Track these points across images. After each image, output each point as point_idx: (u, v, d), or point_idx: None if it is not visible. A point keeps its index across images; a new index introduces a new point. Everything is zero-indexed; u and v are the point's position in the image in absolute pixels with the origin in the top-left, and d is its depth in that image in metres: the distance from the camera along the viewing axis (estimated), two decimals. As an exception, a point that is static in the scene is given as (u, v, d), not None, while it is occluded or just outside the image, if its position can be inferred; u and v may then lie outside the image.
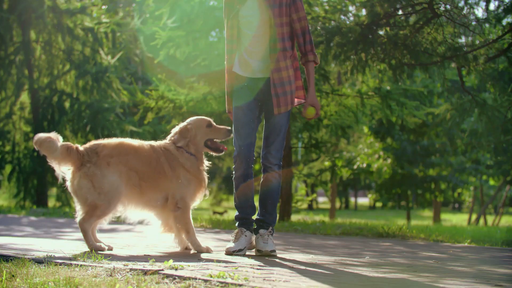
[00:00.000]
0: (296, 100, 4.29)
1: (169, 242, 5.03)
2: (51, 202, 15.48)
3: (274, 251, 4.06)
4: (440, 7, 6.68)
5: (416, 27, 6.87)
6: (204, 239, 5.33)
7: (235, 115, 4.23)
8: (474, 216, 24.75)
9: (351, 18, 8.40)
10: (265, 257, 3.99)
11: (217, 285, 2.78)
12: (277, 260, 3.84)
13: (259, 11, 4.14)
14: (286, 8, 4.11)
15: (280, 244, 5.11)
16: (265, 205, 4.20)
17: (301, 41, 4.17)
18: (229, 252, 4.07)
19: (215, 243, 5.09)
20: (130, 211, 4.20)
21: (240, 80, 4.23)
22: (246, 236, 4.16)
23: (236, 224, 4.27)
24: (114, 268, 3.13)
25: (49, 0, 13.62)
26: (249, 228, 4.21)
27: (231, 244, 4.14)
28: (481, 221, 22.99)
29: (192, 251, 4.15)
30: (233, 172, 4.28)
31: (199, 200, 4.27)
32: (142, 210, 4.21)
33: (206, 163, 4.33)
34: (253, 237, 4.22)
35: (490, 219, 25.21)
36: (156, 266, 3.26)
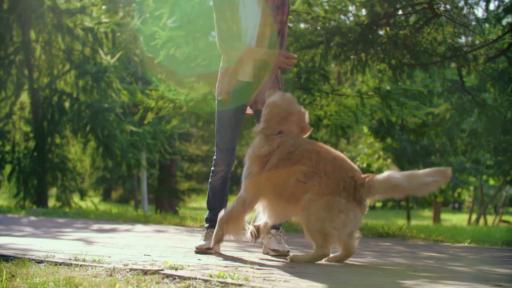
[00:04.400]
0: None
1: (169, 242, 5.04)
2: (51, 202, 15.49)
3: (289, 251, 4.13)
4: (440, 7, 6.68)
5: (416, 27, 6.87)
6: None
7: (221, 117, 4.25)
8: (474, 216, 24.75)
9: (351, 18, 8.40)
10: (282, 256, 4.03)
11: (217, 285, 2.78)
12: (277, 260, 3.85)
13: (256, 8, 4.18)
14: (274, 9, 4.18)
15: (280, 244, 5.11)
16: None
17: (275, 40, 4.21)
18: (202, 250, 4.14)
19: (215, 243, 5.09)
20: None
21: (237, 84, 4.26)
22: None
23: (207, 226, 4.33)
24: (114, 268, 3.13)
25: (49, 0, 13.62)
26: None
27: (202, 242, 4.20)
28: (481, 221, 22.99)
29: None
30: (211, 174, 4.32)
31: None
32: None
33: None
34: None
35: (490, 219, 25.21)
36: (156, 266, 3.26)
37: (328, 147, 3.78)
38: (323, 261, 3.75)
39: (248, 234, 3.95)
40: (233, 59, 4.21)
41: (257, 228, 4.00)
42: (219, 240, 3.91)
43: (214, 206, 4.31)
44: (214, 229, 4.21)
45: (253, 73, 4.22)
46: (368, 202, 3.68)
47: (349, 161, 3.71)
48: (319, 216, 3.54)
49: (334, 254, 3.79)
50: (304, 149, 3.69)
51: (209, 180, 4.35)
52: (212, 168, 4.32)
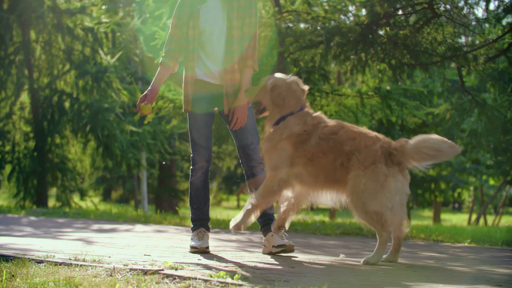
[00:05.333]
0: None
1: (169, 242, 5.04)
2: (51, 202, 15.48)
3: (294, 245, 4.14)
4: (440, 7, 6.68)
5: (416, 27, 6.87)
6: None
7: (194, 119, 4.26)
8: (474, 216, 24.75)
9: (351, 18, 8.41)
10: (287, 252, 4.06)
11: (217, 285, 2.78)
12: (277, 260, 3.84)
13: (221, 12, 4.18)
14: (240, 11, 4.15)
15: (280, 244, 5.11)
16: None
17: (246, 45, 4.17)
18: (202, 249, 4.15)
19: (215, 243, 5.10)
20: None
21: (203, 86, 4.24)
22: (208, 235, 4.31)
23: (194, 226, 4.32)
24: (114, 268, 3.13)
25: (49, 0, 13.61)
26: (207, 229, 4.33)
27: (199, 242, 4.20)
28: (481, 221, 22.99)
29: None
30: (190, 174, 4.32)
31: None
32: None
33: None
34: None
35: (490, 219, 25.21)
36: (156, 266, 3.26)
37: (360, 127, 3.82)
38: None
39: (274, 226, 3.96)
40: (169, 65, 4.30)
41: (283, 220, 3.98)
42: (240, 227, 3.86)
43: (199, 204, 4.31)
44: (203, 228, 4.27)
45: (219, 74, 4.21)
46: (407, 167, 3.65)
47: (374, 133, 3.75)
48: (370, 190, 3.51)
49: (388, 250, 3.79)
50: (349, 130, 3.70)
51: (190, 179, 4.33)
52: (191, 167, 4.31)
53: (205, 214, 4.33)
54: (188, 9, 4.23)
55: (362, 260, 3.71)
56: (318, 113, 3.89)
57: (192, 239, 4.28)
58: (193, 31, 4.20)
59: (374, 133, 3.73)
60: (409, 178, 3.68)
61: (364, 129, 3.76)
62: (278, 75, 4.03)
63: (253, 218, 3.90)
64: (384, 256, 3.78)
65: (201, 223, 4.31)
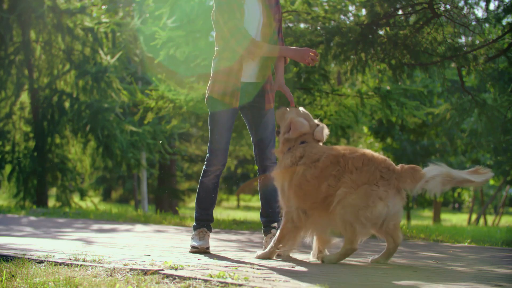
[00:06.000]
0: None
1: (169, 242, 5.04)
2: (51, 202, 15.48)
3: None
4: (440, 7, 6.68)
5: (416, 27, 6.87)
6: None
7: (218, 118, 4.24)
8: (474, 216, 24.75)
9: (351, 18, 8.40)
10: (282, 257, 4.02)
11: (217, 285, 2.78)
12: (277, 260, 3.84)
13: (260, 9, 4.20)
14: (271, 9, 4.22)
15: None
16: (271, 204, 4.26)
17: (276, 39, 4.26)
18: (203, 249, 4.17)
19: (215, 243, 5.10)
20: None
21: (244, 86, 4.27)
22: (209, 236, 4.31)
23: (196, 225, 4.33)
24: (114, 268, 3.13)
25: (49, 0, 13.61)
26: (210, 229, 4.34)
27: (200, 242, 4.21)
28: (481, 221, 22.99)
29: None
30: (203, 174, 4.30)
31: None
32: None
33: None
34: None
35: (490, 219, 25.21)
36: (156, 266, 3.26)
37: (352, 147, 3.79)
38: (368, 261, 3.76)
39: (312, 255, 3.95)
40: (253, 56, 4.14)
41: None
42: (269, 257, 3.87)
43: (206, 205, 4.32)
44: (204, 229, 4.28)
45: (258, 73, 4.23)
46: (407, 192, 3.65)
47: (379, 154, 3.71)
48: (355, 205, 3.52)
49: (380, 253, 3.79)
50: (330, 155, 3.69)
51: (201, 179, 4.32)
52: (205, 168, 4.29)
53: (209, 215, 4.34)
54: (235, 4, 4.12)
55: (318, 256, 3.75)
56: (313, 144, 3.86)
57: (193, 238, 4.28)
58: (240, 22, 4.15)
59: (366, 154, 3.68)
60: (405, 198, 3.67)
61: (351, 150, 3.72)
62: (298, 111, 3.99)
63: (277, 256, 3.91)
64: (375, 257, 3.81)
65: (204, 223, 4.32)
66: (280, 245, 3.82)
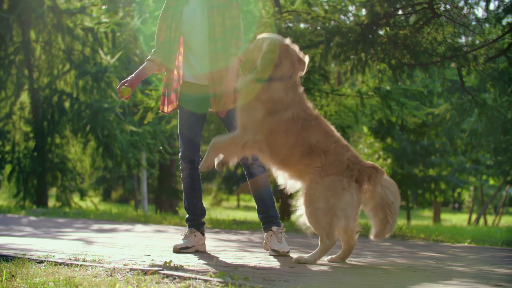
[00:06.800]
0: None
1: (169, 242, 5.04)
2: (51, 202, 15.48)
3: (289, 251, 4.10)
4: (440, 7, 6.68)
5: (416, 27, 6.87)
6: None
7: (181, 117, 4.27)
8: (474, 216, 24.76)
9: (351, 18, 8.41)
10: (281, 257, 4.00)
11: (217, 285, 2.78)
12: (277, 260, 3.84)
13: (201, 12, 4.18)
14: (221, 8, 4.15)
15: (280, 244, 5.11)
16: (265, 201, 4.24)
17: (228, 37, 4.15)
18: (176, 250, 4.17)
19: (215, 243, 5.10)
20: None
21: (190, 87, 4.26)
22: (195, 236, 4.27)
23: (187, 226, 4.35)
24: (114, 268, 3.13)
25: (49, 0, 13.61)
26: (199, 229, 4.30)
27: (179, 242, 4.24)
28: (481, 221, 22.99)
29: None
30: (181, 174, 4.33)
31: None
32: None
33: None
34: (203, 239, 4.31)
35: (490, 219, 25.21)
36: (156, 266, 3.26)
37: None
38: (325, 260, 3.73)
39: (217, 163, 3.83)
40: (167, 65, 4.25)
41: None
42: (208, 167, 3.78)
43: (188, 205, 4.32)
44: (194, 228, 4.29)
45: (210, 76, 4.18)
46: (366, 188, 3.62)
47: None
48: (324, 199, 3.48)
49: (336, 254, 3.78)
50: (323, 123, 3.63)
51: (181, 179, 4.36)
52: (180, 168, 4.34)
53: (195, 214, 4.32)
54: (171, 11, 4.24)
55: (294, 258, 3.68)
56: (302, 91, 3.76)
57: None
58: (175, 33, 4.22)
59: (345, 142, 3.66)
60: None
61: (337, 134, 3.68)
62: (274, 35, 3.87)
63: (216, 161, 3.80)
64: (333, 256, 3.76)
65: (190, 223, 4.33)
66: (222, 149, 3.73)
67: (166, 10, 4.27)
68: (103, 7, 14.23)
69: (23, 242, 4.75)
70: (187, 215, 4.36)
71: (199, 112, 4.26)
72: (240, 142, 3.68)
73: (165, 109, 4.31)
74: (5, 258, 3.55)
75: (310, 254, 3.65)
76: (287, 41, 3.82)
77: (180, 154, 4.30)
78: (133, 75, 4.24)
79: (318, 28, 7.78)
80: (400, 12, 7.00)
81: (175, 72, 4.29)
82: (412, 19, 7.25)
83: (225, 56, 4.10)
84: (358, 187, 3.56)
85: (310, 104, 3.74)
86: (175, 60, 4.26)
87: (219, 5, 4.14)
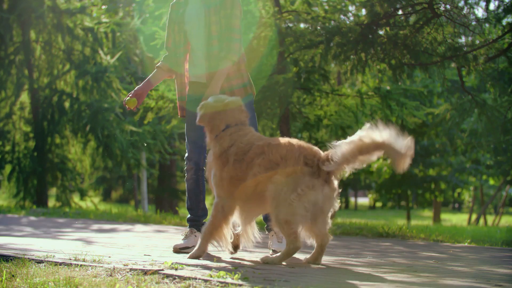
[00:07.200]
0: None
1: (169, 242, 5.04)
2: (51, 202, 15.48)
3: None
4: (440, 7, 6.68)
5: (416, 27, 6.87)
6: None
7: (188, 118, 4.32)
8: (474, 216, 24.75)
9: (351, 18, 8.40)
10: None
11: (217, 285, 2.78)
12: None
13: (200, 11, 4.21)
14: (217, 6, 4.16)
15: (280, 244, 5.11)
16: None
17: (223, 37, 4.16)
18: (176, 249, 4.19)
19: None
20: None
21: (195, 87, 4.29)
22: (195, 236, 4.27)
23: (188, 226, 4.37)
24: (114, 268, 3.13)
25: (49, 0, 13.61)
26: (199, 229, 4.31)
27: (179, 242, 4.25)
28: (481, 221, 22.99)
29: None
30: (185, 174, 4.35)
31: None
32: None
33: None
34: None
35: (490, 219, 25.22)
36: (156, 266, 3.26)
37: (281, 138, 3.67)
38: (303, 260, 3.71)
39: (229, 248, 3.83)
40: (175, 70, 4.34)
41: (236, 238, 3.88)
42: (199, 255, 3.74)
43: (191, 205, 4.35)
44: (195, 228, 4.30)
45: (208, 75, 4.22)
46: (338, 178, 3.52)
47: (308, 144, 3.59)
48: (288, 199, 3.39)
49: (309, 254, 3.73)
50: (256, 146, 3.58)
51: (185, 179, 4.39)
52: (185, 168, 4.37)
53: (196, 215, 4.34)
54: (174, 15, 4.31)
55: (261, 258, 3.63)
56: (237, 130, 3.72)
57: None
58: (179, 35, 4.27)
59: (292, 142, 3.56)
60: (336, 188, 3.52)
61: (276, 140, 3.61)
62: (210, 98, 3.86)
63: (209, 247, 3.78)
64: (307, 257, 3.68)
65: (191, 223, 4.35)
66: (212, 239, 3.70)
67: (170, 15, 4.34)
68: (103, 7, 14.24)
69: (23, 242, 4.75)
70: (189, 215, 4.38)
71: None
72: (219, 211, 3.66)
73: (185, 114, 4.37)
74: (5, 258, 3.55)
75: (273, 257, 3.58)
76: (215, 98, 3.81)
77: (186, 154, 4.34)
78: (141, 84, 4.32)
79: (318, 28, 7.78)
80: (400, 12, 7.00)
81: (187, 75, 4.35)
82: (412, 19, 7.25)
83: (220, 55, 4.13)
84: (324, 181, 3.45)
85: (247, 136, 3.67)
86: (183, 63, 4.31)
87: (216, 3, 4.16)
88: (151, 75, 4.38)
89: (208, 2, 4.19)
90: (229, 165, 3.61)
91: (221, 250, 3.87)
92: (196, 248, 3.78)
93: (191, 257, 3.74)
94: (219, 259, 3.79)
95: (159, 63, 4.37)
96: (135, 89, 4.30)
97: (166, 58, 4.36)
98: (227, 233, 3.74)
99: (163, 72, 4.37)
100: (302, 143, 3.56)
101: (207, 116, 3.76)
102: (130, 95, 4.25)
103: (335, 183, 3.52)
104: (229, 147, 3.64)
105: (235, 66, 4.19)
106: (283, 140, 3.59)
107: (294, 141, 3.58)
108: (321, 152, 3.54)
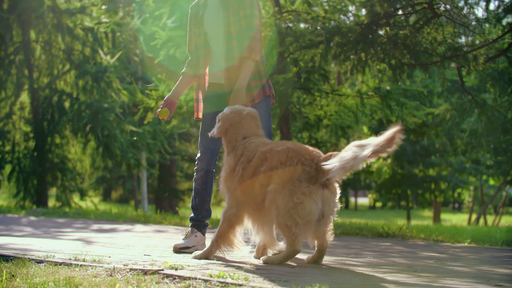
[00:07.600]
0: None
1: (169, 242, 5.04)
2: (51, 202, 15.48)
3: None
4: (440, 7, 6.68)
5: (416, 27, 6.87)
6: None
7: (204, 119, 4.34)
8: (474, 216, 24.75)
9: (351, 18, 8.40)
10: None
11: (217, 285, 2.78)
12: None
13: (219, 12, 4.22)
14: (235, 6, 4.16)
15: (280, 244, 5.11)
16: None
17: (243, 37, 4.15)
18: (176, 249, 4.19)
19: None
20: None
21: (214, 87, 4.31)
22: (196, 236, 4.28)
23: (190, 225, 4.37)
24: (114, 268, 3.13)
25: (49, 0, 13.62)
26: (200, 230, 4.33)
27: (180, 241, 4.25)
28: (481, 221, 22.99)
29: None
30: (194, 174, 4.38)
31: None
32: None
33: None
34: (204, 239, 4.32)
35: (490, 219, 25.21)
36: (156, 266, 3.26)
37: (284, 141, 3.68)
38: (305, 260, 3.71)
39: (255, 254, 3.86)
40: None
41: (263, 250, 3.88)
42: (207, 257, 3.74)
43: (196, 205, 4.36)
44: (196, 229, 4.32)
45: (226, 74, 4.22)
46: (337, 182, 3.51)
47: (308, 146, 3.58)
48: (285, 205, 3.40)
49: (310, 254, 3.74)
50: (260, 153, 3.59)
51: (193, 178, 4.41)
52: (195, 168, 4.39)
53: (200, 215, 4.35)
54: (194, 19, 4.34)
55: (262, 258, 3.63)
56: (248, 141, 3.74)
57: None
58: (199, 38, 4.31)
59: (291, 147, 3.55)
60: (336, 191, 3.51)
61: (279, 145, 3.60)
62: (227, 108, 3.87)
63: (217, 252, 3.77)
64: (308, 257, 3.71)
65: (194, 223, 4.35)
66: (219, 245, 3.71)
67: (190, 19, 4.36)
68: (103, 7, 14.23)
69: (23, 242, 4.75)
70: (192, 214, 4.38)
71: (216, 110, 4.25)
72: (226, 219, 3.68)
73: (200, 116, 4.40)
74: (5, 258, 3.55)
75: (274, 257, 3.58)
76: (233, 109, 3.82)
77: (198, 155, 4.36)
78: (169, 93, 4.38)
79: (318, 28, 7.78)
80: (400, 12, 7.00)
81: (207, 79, 4.38)
82: (412, 19, 7.25)
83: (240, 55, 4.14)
84: (323, 188, 3.44)
85: (252, 145, 3.69)
86: (204, 65, 4.32)
87: (234, 4, 4.17)
88: (177, 83, 4.42)
89: (226, 3, 4.19)
90: (238, 174, 3.64)
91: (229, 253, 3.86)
92: (202, 251, 3.80)
93: (195, 258, 3.75)
94: (219, 259, 3.79)
95: (183, 69, 4.42)
96: (165, 99, 4.35)
97: (189, 62, 4.40)
98: (235, 239, 3.75)
99: (188, 78, 4.41)
100: (302, 147, 3.56)
101: (224, 128, 3.78)
102: (161, 106, 4.31)
103: (335, 186, 3.52)
104: (240, 156, 3.68)
105: (255, 67, 4.19)
106: (285, 144, 3.59)
107: (294, 145, 3.58)
108: (321, 155, 3.53)
